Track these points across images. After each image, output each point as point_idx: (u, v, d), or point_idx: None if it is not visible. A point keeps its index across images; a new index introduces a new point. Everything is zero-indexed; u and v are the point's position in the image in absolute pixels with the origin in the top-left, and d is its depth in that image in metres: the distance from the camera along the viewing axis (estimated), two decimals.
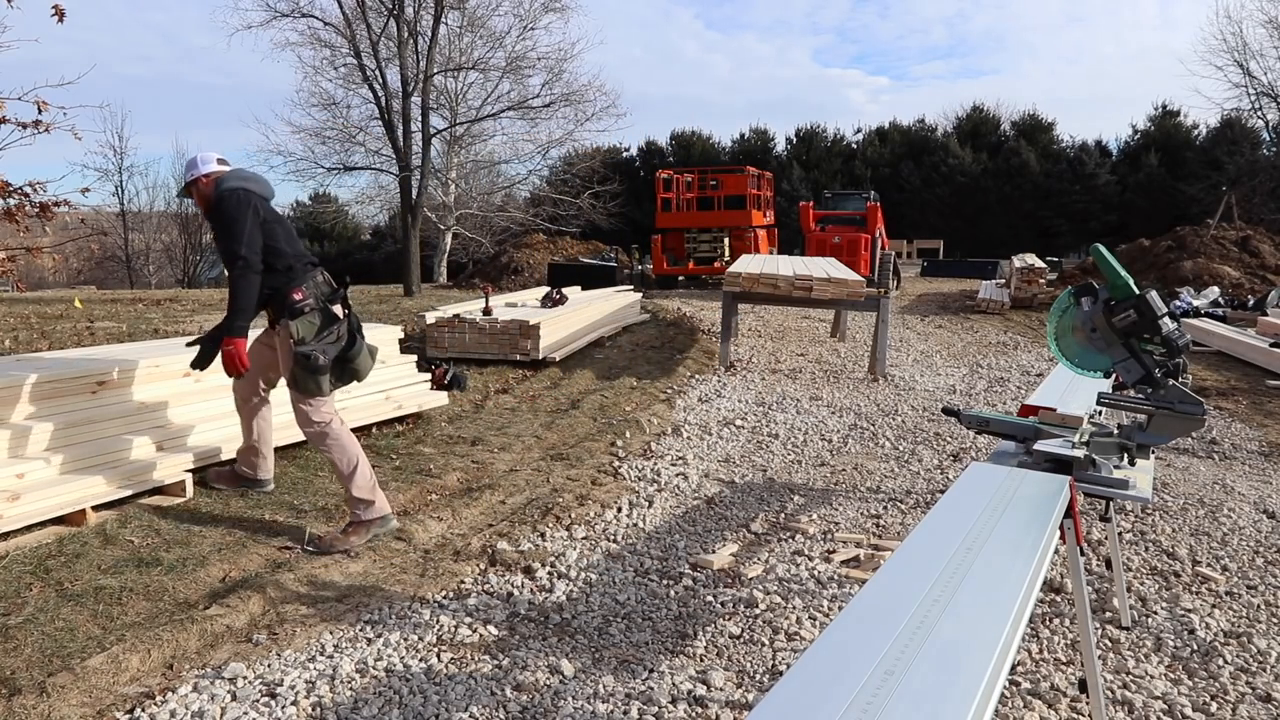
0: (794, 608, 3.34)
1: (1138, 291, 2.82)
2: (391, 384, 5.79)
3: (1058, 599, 3.43)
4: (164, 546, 3.63)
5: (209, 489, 4.32)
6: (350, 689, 2.71)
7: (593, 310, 10.08)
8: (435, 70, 17.61)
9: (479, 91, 23.41)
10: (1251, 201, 23.32)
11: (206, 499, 4.22)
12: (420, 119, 16.90)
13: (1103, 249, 2.96)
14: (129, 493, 4.01)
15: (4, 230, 6.44)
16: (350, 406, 5.38)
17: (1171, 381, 2.84)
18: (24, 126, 5.85)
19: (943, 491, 3.87)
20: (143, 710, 2.55)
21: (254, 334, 4.05)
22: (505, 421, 6.14)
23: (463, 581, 3.52)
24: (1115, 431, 2.96)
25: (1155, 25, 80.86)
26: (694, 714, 2.64)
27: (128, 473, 4.00)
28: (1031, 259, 16.21)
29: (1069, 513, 2.29)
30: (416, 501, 4.44)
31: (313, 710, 2.60)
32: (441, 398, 6.26)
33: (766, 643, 3.09)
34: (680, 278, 17.86)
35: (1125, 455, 2.86)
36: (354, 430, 5.39)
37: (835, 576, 3.63)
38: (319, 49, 19.17)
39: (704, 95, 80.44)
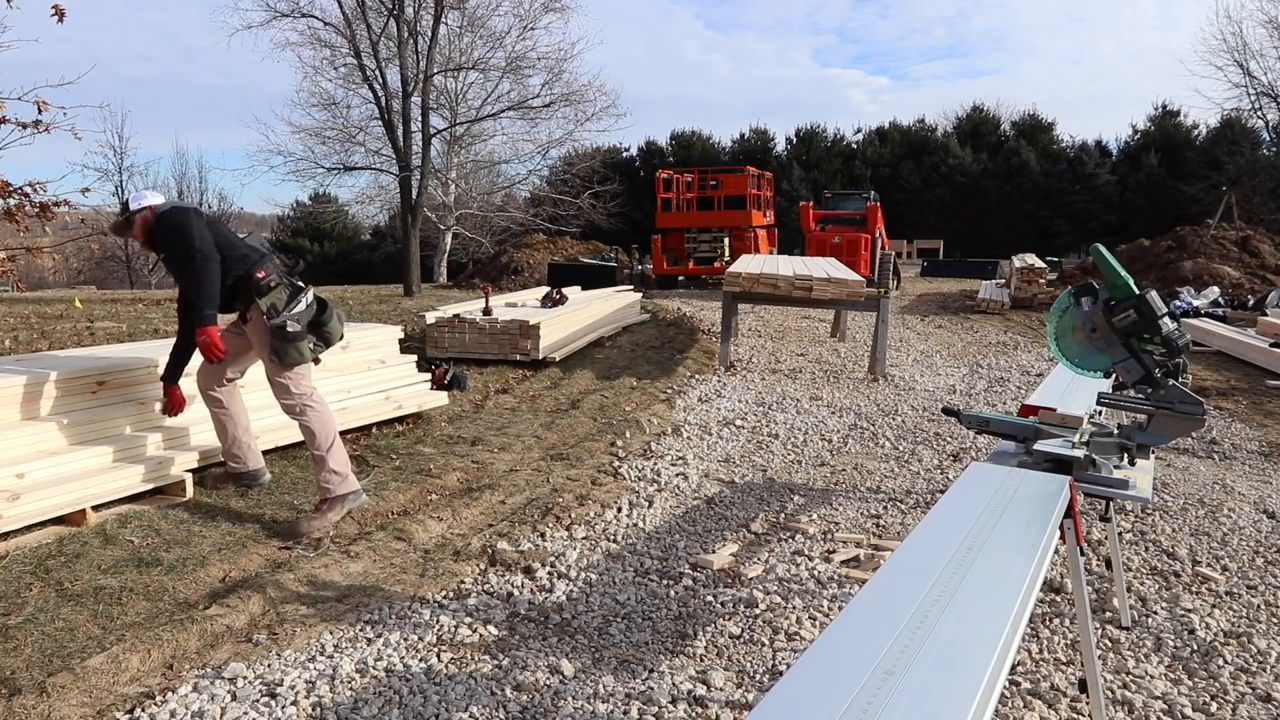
0: (794, 608, 3.34)
1: (1138, 291, 2.82)
2: (391, 384, 5.79)
3: (1058, 599, 3.43)
4: (164, 546, 3.64)
5: (209, 489, 4.32)
6: (350, 689, 2.71)
7: (593, 310, 10.09)
8: (435, 70, 17.61)
9: (479, 91, 23.45)
10: (1251, 201, 23.33)
11: (206, 499, 4.23)
12: (420, 119, 16.92)
13: (1103, 249, 2.96)
14: (129, 493, 4.02)
15: (4, 230, 6.45)
16: (350, 406, 5.39)
17: (1171, 381, 2.84)
18: (24, 126, 5.86)
19: (943, 491, 3.88)
20: (143, 710, 2.55)
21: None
22: (505, 421, 6.14)
23: (463, 581, 3.52)
24: (1115, 431, 2.96)
25: (1155, 25, 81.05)
26: (694, 714, 2.64)
27: (128, 473, 4.00)
28: (1031, 259, 16.20)
29: (1069, 513, 2.29)
30: (416, 501, 4.44)
31: (313, 710, 2.60)
32: (441, 398, 6.26)
33: (766, 643, 3.09)
34: (680, 278, 17.86)
35: (1125, 455, 2.86)
36: (354, 430, 5.42)
37: (835, 576, 3.63)
38: (319, 49, 19.18)
39: (704, 95, 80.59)
